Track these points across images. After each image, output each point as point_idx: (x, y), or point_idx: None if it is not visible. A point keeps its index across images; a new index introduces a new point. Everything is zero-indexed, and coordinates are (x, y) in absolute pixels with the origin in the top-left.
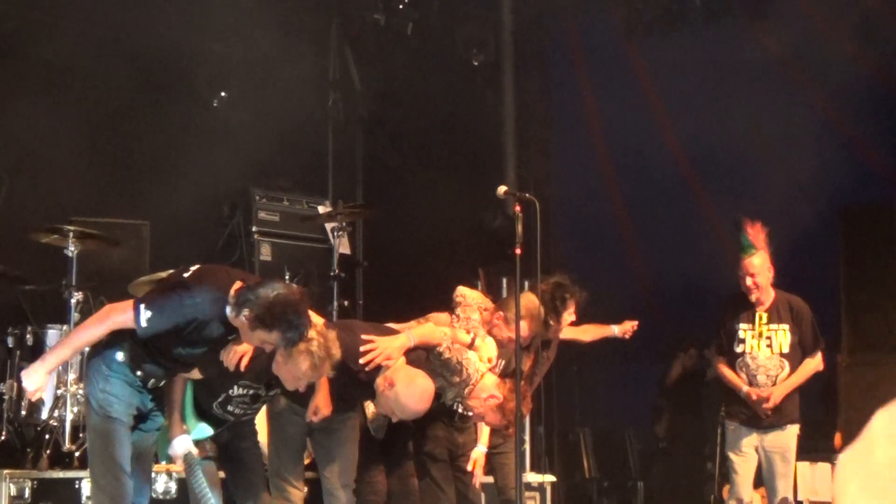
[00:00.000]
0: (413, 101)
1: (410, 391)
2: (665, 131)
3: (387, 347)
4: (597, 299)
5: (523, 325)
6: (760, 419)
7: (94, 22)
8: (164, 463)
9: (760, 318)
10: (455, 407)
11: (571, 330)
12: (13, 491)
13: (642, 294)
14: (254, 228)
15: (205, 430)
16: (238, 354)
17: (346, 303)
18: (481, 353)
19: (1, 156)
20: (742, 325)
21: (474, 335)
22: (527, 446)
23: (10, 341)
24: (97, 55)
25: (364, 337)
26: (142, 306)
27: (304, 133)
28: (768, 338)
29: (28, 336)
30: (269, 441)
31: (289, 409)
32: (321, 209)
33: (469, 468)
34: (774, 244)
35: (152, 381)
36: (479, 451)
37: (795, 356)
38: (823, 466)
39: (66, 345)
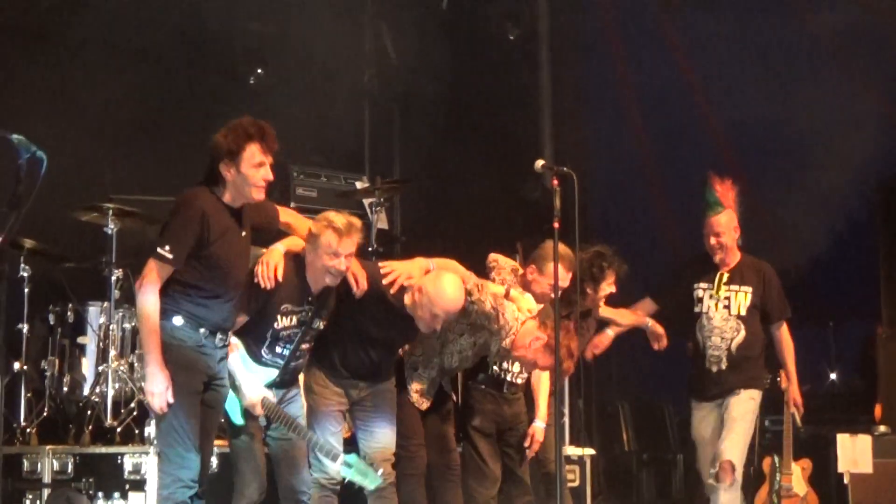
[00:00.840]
0: (449, 75)
1: (441, 284)
2: (701, 105)
3: (406, 269)
4: (631, 272)
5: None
6: (712, 390)
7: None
8: (240, 423)
9: (721, 278)
10: (503, 368)
11: (610, 310)
12: (56, 466)
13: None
14: (292, 205)
15: (267, 374)
16: (270, 266)
17: None
18: (520, 305)
19: (41, 134)
20: (701, 285)
21: (508, 286)
22: (566, 420)
23: (52, 318)
24: (134, 33)
25: (382, 264)
26: (158, 249)
27: (340, 108)
28: (727, 298)
29: (69, 313)
30: (307, 415)
31: (326, 383)
32: (359, 185)
33: (526, 444)
34: (814, 219)
35: (218, 336)
36: (537, 426)
37: (752, 321)
38: (864, 438)
39: (146, 336)
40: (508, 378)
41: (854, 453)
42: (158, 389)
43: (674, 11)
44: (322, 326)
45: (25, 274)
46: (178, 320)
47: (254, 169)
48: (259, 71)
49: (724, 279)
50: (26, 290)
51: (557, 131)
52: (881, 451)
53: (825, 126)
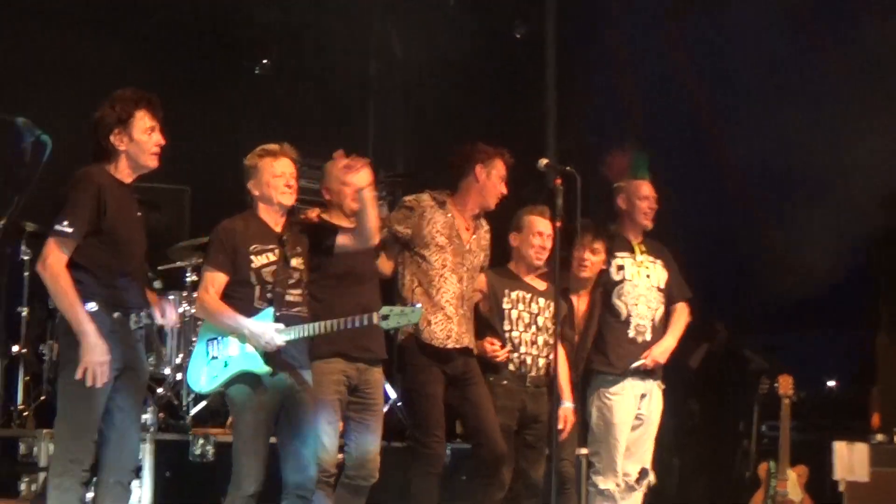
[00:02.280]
0: (454, 71)
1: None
2: (706, 109)
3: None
4: None
5: None
6: (634, 361)
7: None
8: (266, 370)
9: (640, 248)
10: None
11: None
12: (52, 450)
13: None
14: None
15: (267, 314)
16: None
17: None
18: None
19: (43, 118)
20: (620, 254)
21: None
22: None
23: (51, 303)
24: (140, 18)
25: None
26: (56, 226)
27: (345, 101)
28: (647, 268)
29: None
30: None
31: (324, 371)
32: None
33: (560, 426)
34: (820, 235)
35: (133, 318)
36: (566, 408)
37: (666, 299)
38: (861, 447)
39: (70, 309)
40: (529, 364)
41: (851, 461)
42: (103, 358)
43: (683, 15)
44: (301, 266)
45: (26, 257)
46: (91, 306)
47: (146, 135)
48: (264, 61)
49: (643, 249)
50: (26, 274)
51: (562, 131)
52: (878, 460)
53: (836, 146)
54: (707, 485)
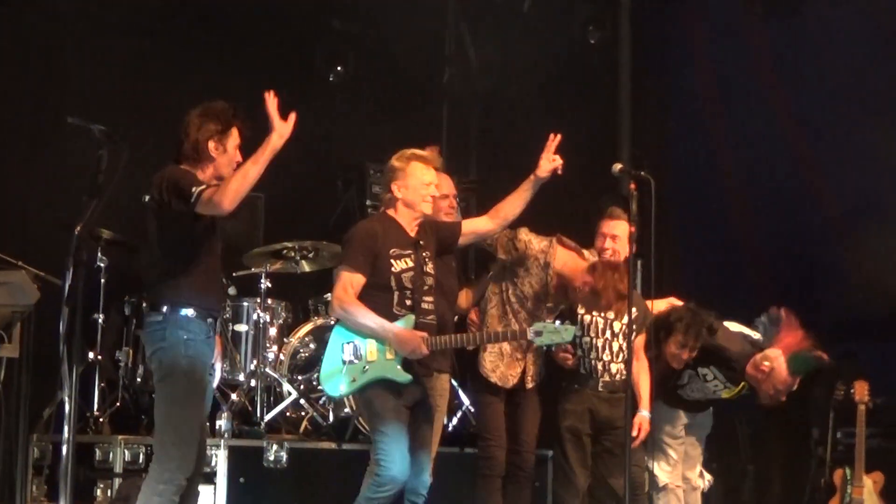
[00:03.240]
0: (528, 77)
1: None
2: (784, 113)
3: None
4: (704, 283)
5: None
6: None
7: None
8: (407, 378)
9: (742, 388)
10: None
11: None
12: (128, 457)
13: (755, 277)
14: (368, 203)
15: (408, 321)
16: None
17: None
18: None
19: (123, 127)
20: (713, 377)
21: None
22: None
23: (127, 309)
24: (214, 29)
25: None
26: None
27: (419, 108)
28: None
29: (144, 304)
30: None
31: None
32: None
33: (634, 433)
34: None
35: (217, 322)
36: (642, 416)
37: None
38: None
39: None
40: (600, 370)
41: None
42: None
43: (760, 17)
44: (432, 271)
45: (102, 264)
46: (191, 313)
47: (235, 150)
48: (338, 68)
49: (744, 388)
50: (102, 281)
51: (636, 136)
52: None
53: None
54: (782, 491)
